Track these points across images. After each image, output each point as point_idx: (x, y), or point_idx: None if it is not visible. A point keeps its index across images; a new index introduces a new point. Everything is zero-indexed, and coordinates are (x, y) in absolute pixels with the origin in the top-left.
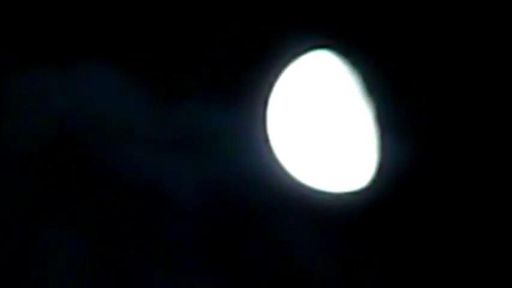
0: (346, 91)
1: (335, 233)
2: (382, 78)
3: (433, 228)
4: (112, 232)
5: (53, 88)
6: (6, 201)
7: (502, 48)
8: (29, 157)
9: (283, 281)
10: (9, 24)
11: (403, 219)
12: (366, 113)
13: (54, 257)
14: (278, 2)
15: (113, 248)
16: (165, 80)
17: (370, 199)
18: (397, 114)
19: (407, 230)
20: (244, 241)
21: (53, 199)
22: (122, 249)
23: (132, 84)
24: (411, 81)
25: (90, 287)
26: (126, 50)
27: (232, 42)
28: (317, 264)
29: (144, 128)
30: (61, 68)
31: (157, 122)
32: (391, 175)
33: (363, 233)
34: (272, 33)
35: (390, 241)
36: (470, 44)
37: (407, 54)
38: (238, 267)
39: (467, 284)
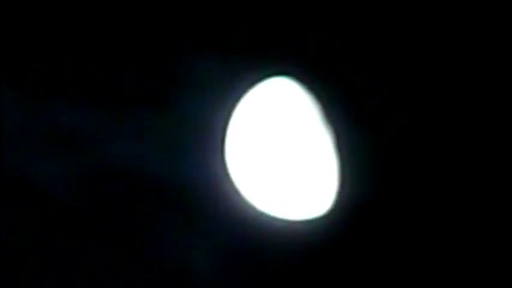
0: (306, 119)
1: (293, 260)
2: (342, 106)
3: (390, 258)
4: None
5: None
6: None
7: (465, 85)
8: None
9: None
10: None
11: (361, 247)
12: (325, 141)
13: None
14: (237, 29)
15: None
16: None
17: (329, 227)
18: (356, 140)
19: (365, 259)
20: None
21: None
22: None
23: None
24: (372, 110)
25: None
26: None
27: (187, 67)
28: None
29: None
30: None
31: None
32: (349, 203)
33: (320, 261)
34: (231, 61)
35: (347, 269)
36: (433, 77)
37: (368, 83)
38: None
39: None
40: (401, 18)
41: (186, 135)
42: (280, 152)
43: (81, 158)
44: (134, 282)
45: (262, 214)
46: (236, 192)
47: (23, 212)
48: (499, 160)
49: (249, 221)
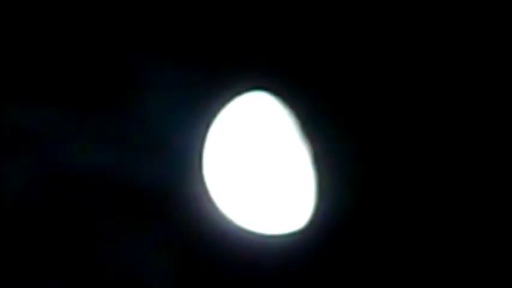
0: (284, 133)
1: (270, 275)
2: (320, 120)
3: (366, 272)
4: None
5: None
6: None
7: (448, 98)
8: None
9: None
10: None
11: (338, 262)
12: (303, 155)
13: None
14: (217, 43)
15: None
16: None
17: (306, 241)
18: (334, 155)
19: (342, 273)
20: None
21: None
22: None
23: None
24: (350, 124)
25: None
26: None
27: (167, 83)
28: None
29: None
30: None
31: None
32: (327, 218)
33: (297, 275)
34: (208, 75)
35: (325, 284)
36: (408, 86)
37: (346, 97)
38: None
39: None
40: (378, 32)
41: (163, 147)
42: (258, 166)
43: (39, 160)
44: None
45: (239, 228)
46: (213, 206)
47: None
48: (481, 176)
49: (226, 235)
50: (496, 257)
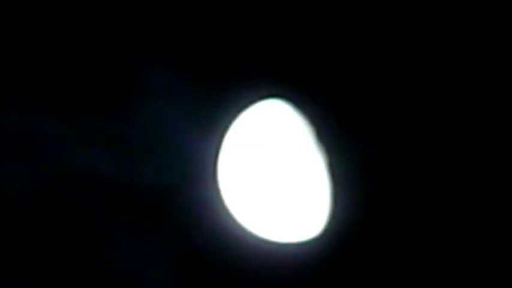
0: (298, 141)
1: (285, 283)
2: (335, 128)
3: (382, 280)
4: None
5: None
6: None
7: (460, 104)
8: None
9: None
10: None
11: (353, 270)
12: (317, 163)
13: None
14: (230, 52)
15: None
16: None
17: (321, 249)
18: (348, 163)
19: (357, 281)
20: None
21: None
22: None
23: None
24: (365, 132)
25: None
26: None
27: (182, 91)
28: None
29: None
30: None
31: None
32: (342, 225)
33: (313, 284)
34: (223, 83)
35: None
36: (421, 94)
37: (361, 105)
38: None
39: None
40: (393, 40)
41: (176, 156)
42: (273, 174)
43: (39, 162)
44: None
45: (253, 236)
46: (228, 214)
47: None
48: (494, 181)
49: (240, 243)
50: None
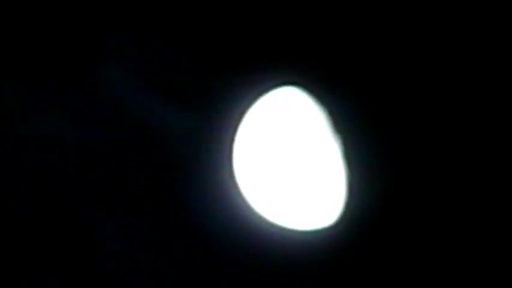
0: (313, 128)
1: (301, 272)
2: (351, 116)
3: (398, 268)
4: None
5: None
6: None
7: (467, 85)
8: None
9: None
10: None
11: (369, 257)
12: (333, 150)
13: None
14: (244, 40)
15: None
16: None
17: (337, 237)
18: (365, 151)
19: (373, 269)
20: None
21: None
22: None
23: None
24: (379, 118)
25: None
26: None
27: (197, 79)
28: None
29: None
30: None
31: None
32: (358, 213)
33: (329, 271)
34: (237, 71)
35: (355, 280)
36: (437, 81)
37: (377, 92)
38: None
39: None
40: (412, 27)
41: (193, 144)
42: (289, 162)
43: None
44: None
45: (269, 224)
46: (244, 201)
47: None
48: (507, 172)
49: (256, 231)
50: None
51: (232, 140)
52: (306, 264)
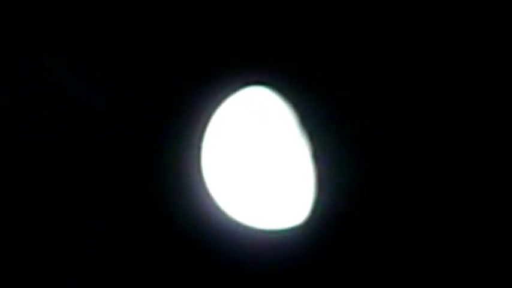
0: (283, 128)
1: (271, 271)
2: (320, 115)
3: (368, 267)
4: None
5: None
6: None
7: (446, 93)
8: None
9: None
10: None
11: (338, 257)
12: (302, 150)
13: None
14: (212, 39)
15: None
16: None
17: (306, 236)
18: (333, 150)
19: (343, 268)
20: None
21: None
22: None
23: None
24: (349, 118)
25: None
26: None
27: (165, 79)
28: None
29: None
30: None
31: None
32: (327, 212)
33: (299, 270)
34: (205, 70)
35: (326, 279)
36: (413, 83)
37: (345, 90)
38: None
39: None
40: (381, 29)
41: (163, 144)
42: (257, 161)
43: None
44: None
45: (238, 224)
46: (212, 201)
47: None
48: (485, 173)
49: (224, 231)
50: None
51: (200, 140)
52: (276, 264)
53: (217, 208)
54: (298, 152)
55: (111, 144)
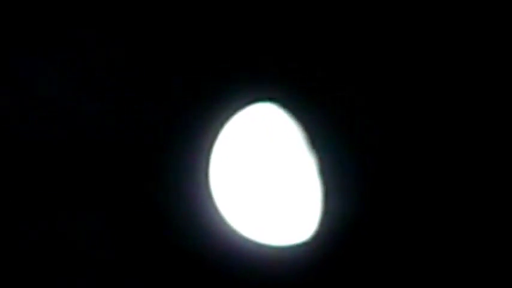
0: (290, 144)
1: (276, 287)
2: (327, 132)
3: (373, 283)
4: None
5: None
6: None
7: (445, 98)
8: None
9: None
10: None
11: (344, 273)
12: (309, 166)
13: None
14: (222, 55)
15: None
16: None
17: (312, 252)
18: (340, 167)
19: (349, 284)
20: None
21: None
22: None
23: None
24: (356, 135)
25: None
26: None
27: (175, 95)
28: None
29: None
30: None
31: None
32: (333, 229)
33: (304, 286)
34: (214, 86)
35: None
36: (417, 96)
37: (353, 108)
38: None
39: None
40: (385, 43)
41: (171, 162)
42: (265, 177)
43: None
44: None
45: (245, 239)
46: (220, 217)
47: None
48: (485, 181)
49: (232, 246)
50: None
51: (208, 155)
52: (281, 279)
53: (224, 223)
54: (305, 169)
55: (111, 145)
